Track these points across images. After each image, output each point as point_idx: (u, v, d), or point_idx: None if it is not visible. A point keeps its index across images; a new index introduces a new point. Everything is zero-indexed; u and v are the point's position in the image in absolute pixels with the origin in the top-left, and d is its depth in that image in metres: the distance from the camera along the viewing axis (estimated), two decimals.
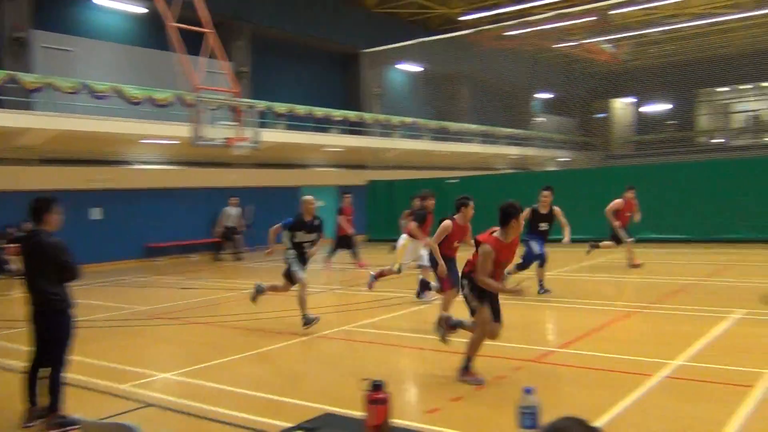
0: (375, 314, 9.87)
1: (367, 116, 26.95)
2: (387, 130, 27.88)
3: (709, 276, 12.45)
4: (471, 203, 8.00)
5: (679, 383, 5.89)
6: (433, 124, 29.71)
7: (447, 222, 8.04)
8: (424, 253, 10.13)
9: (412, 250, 10.69)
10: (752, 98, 42.84)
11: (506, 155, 34.88)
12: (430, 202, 10.50)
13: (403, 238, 10.89)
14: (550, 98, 40.57)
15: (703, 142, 42.12)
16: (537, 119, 40.77)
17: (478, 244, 5.92)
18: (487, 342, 6.10)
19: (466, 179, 22.67)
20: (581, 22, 27.62)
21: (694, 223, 17.80)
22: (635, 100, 43.21)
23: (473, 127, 32.40)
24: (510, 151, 34.83)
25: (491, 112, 32.78)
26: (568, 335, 8.13)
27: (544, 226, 10.81)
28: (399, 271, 10.79)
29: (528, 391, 3.06)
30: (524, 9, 26.32)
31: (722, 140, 41.65)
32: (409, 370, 7.13)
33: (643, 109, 42.97)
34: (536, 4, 26.08)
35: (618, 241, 13.56)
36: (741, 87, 41.47)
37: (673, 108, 41.14)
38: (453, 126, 30.86)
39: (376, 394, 2.97)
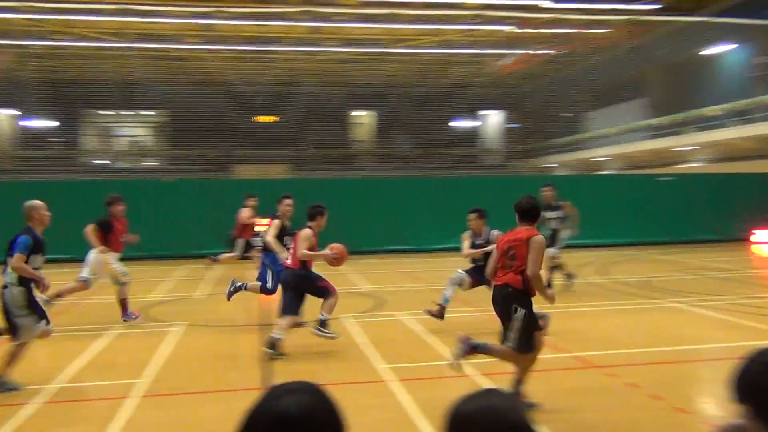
0: None
1: None
2: None
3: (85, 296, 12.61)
4: (326, 212, 7.61)
5: (56, 407, 5.79)
6: None
7: (308, 230, 7.39)
8: (118, 265, 9.26)
9: (102, 262, 9.16)
10: (134, 124, 45.82)
11: None
12: (119, 208, 9.29)
13: (96, 252, 9.12)
14: None
15: (88, 162, 42.73)
16: None
17: (503, 244, 5.51)
18: None
19: None
20: None
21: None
22: (18, 112, 40.85)
23: None
24: None
25: None
26: None
27: (289, 241, 8.94)
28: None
29: None
30: None
31: (107, 161, 43.09)
32: None
33: (27, 123, 40.98)
34: None
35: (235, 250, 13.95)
36: (123, 113, 43.82)
37: (59, 125, 40.56)
38: None
39: None
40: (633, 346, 7.62)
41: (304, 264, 7.47)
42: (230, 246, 14.27)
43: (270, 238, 8.68)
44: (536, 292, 5.38)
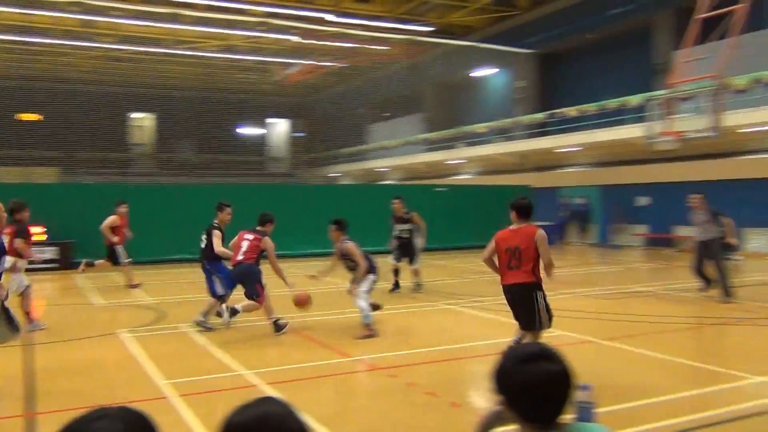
0: None
1: None
2: None
3: None
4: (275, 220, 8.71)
5: None
6: None
7: (269, 239, 8.54)
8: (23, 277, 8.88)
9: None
10: None
11: None
12: (26, 215, 8.92)
13: (10, 261, 8.12)
14: None
15: None
16: None
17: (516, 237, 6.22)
18: None
19: None
20: None
21: None
22: None
23: None
24: None
25: None
26: None
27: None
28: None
29: None
30: None
31: None
32: None
33: None
34: None
35: (116, 260, 13.23)
36: None
37: None
38: None
39: None
40: (413, 347, 8.03)
41: (258, 261, 8.43)
42: (112, 256, 13.49)
43: (221, 249, 8.88)
44: (549, 273, 6.15)
